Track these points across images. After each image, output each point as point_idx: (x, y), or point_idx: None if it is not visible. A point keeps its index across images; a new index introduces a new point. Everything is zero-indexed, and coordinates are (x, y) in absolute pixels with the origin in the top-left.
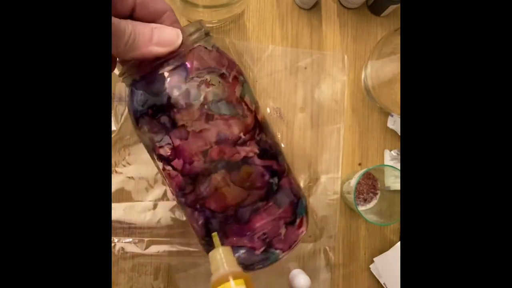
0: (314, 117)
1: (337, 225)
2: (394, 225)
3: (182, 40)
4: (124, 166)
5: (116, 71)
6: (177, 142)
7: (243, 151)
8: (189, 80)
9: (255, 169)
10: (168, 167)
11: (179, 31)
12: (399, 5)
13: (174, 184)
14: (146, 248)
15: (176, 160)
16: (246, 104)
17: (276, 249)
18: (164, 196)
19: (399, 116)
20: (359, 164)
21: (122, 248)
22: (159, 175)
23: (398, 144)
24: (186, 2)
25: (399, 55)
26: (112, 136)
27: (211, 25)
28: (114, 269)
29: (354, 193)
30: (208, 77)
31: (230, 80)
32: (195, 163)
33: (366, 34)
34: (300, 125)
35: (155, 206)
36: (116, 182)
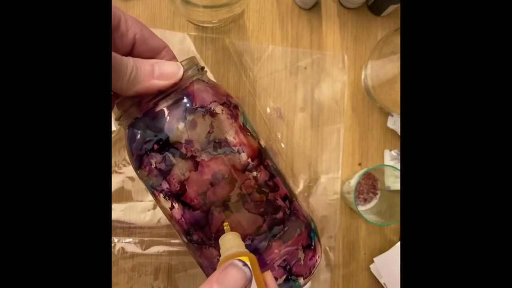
0: (314, 117)
1: (337, 225)
2: (394, 225)
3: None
4: (124, 166)
5: (113, 115)
6: (186, 174)
7: (253, 176)
8: (193, 111)
9: (268, 194)
10: (177, 204)
11: (179, 64)
12: (399, 5)
13: (185, 221)
14: (146, 248)
15: (187, 194)
16: (249, 131)
17: (297, 275)
18: None
19: (399, 116)
20: (359, 164)
21: (122, 248)
22: None
23: (398, 144)
24: (186, 2)
25: (399, 55)
26: (112, 136)
27: (211, 25)
28: (114, 269)
29: (354, 193)
30: (211, 106)
31: (232, 108)
32: (207, 194)
33: (366, 34)
34: (300, 125)
35: (155, 206)
36: (116, 182)
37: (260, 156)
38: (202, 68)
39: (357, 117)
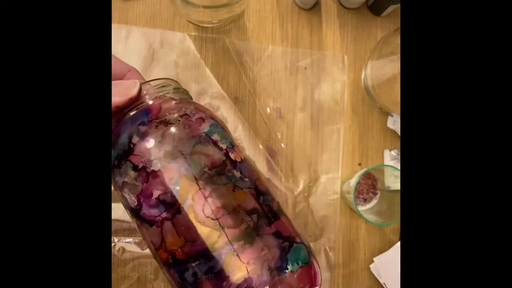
0: (314, 117)
1: (337, 225)
2: (394, 225)
3: (144, 91)
4: None
5: None
6: (139, 187)
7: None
8: (147, 123)
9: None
10: (139, 221)
11: (136, 80)
12: (399, 5)
13: (151, 242)
14: (146, 248)
15: (142, 208)
16: (215, 142)
17: None
18: None
19: (399, 116)
20: (359, 164)
21: (122, 248)
22: None
23: (398, 144)
24: (186, 2)
25: (399, 55)
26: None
27: (211, 25)
28: (114, 269)
29: (354, 193)
30: (166, 117)
31: (194, 119)
32: (159, 207)
33: (366, 34)
34: (300, 125)
35: None
36: None
37: (223, 166)
38: (178, 88)
39: (357, 117)
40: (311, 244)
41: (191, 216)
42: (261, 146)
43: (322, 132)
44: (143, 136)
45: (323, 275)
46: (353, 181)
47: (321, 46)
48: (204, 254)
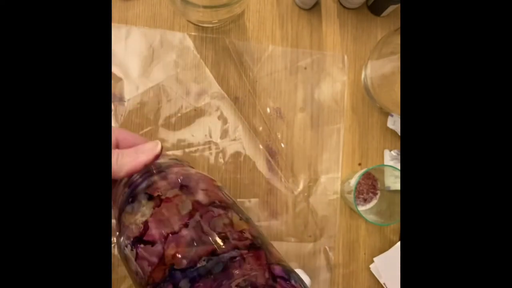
0: (314, 117)
1: (337, 225)
2: (394, 225)
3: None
4: None
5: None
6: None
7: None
8: (145, 190)
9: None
10: (139, 249)
11: (157, 141)
12: (399, 5)
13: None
14: None
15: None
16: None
17: None
18: None
19: (399, 116)
20: (359, 164)
21: None
22: None
23: (398, 144)
24: (186, 2)
25: (399, 55)
26: None
27: (211, 25)
28: (113, 269)
29: (354, 193)
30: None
31: (187, 194)
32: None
33: (366, 34)
34: (300, 125)
35: None
36: None
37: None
38: (176, 159)
39: (357, 117)
40: (311, 244)
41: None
42: (261, 146)
43: (322, 132)
44: (137, 201)
45: (323, 275)
46: (353, 181)
47: (321, 46)
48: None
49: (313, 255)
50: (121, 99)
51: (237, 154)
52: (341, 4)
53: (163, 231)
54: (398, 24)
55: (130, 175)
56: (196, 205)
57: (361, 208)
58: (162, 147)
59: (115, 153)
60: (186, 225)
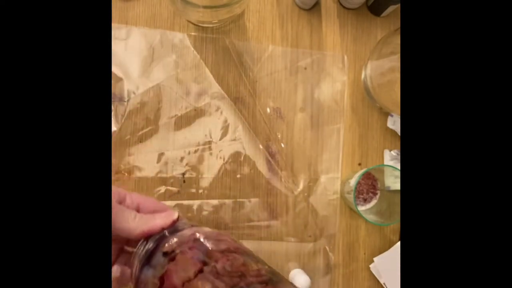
0: (314, 117)
1: (337, 225)
2: (394, 225)
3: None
4: (124, 166)
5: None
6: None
7: None
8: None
9: None
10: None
11: (175, 208)
12: (399, 5)
13: None
14: None
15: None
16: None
17: None
18: (164, 195)
19: (399, 116)
20: (359, 164)
21: None
22: (159, 174)
23: (398, 144)
24: (186, 2)
25: (399, 55)
26: (112, 136)
27: (211, 26)
28: None
29: (354, 193)
30: (175, 249)
31: (198, 251)
32: None
33: (366, 34)
34: (300, 125)
35: None
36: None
37: None
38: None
39: (357, 117)
40: (311, 245)
41: None
42: (261, 146)
43: (322, 132)
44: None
45: (323, 275)
46: (353, 181)
47: (321, 46)
48: None
49: (313, 255)
50: (121, 99)
51: (237, 154)
52: (341, 4)
53: (179, 282)
54: (398, 24)
55: (145, 236)
56: (210, 252)
57: (361, 208)
58: (179, 216)
59: (133, 213)
60: (201, 271)
